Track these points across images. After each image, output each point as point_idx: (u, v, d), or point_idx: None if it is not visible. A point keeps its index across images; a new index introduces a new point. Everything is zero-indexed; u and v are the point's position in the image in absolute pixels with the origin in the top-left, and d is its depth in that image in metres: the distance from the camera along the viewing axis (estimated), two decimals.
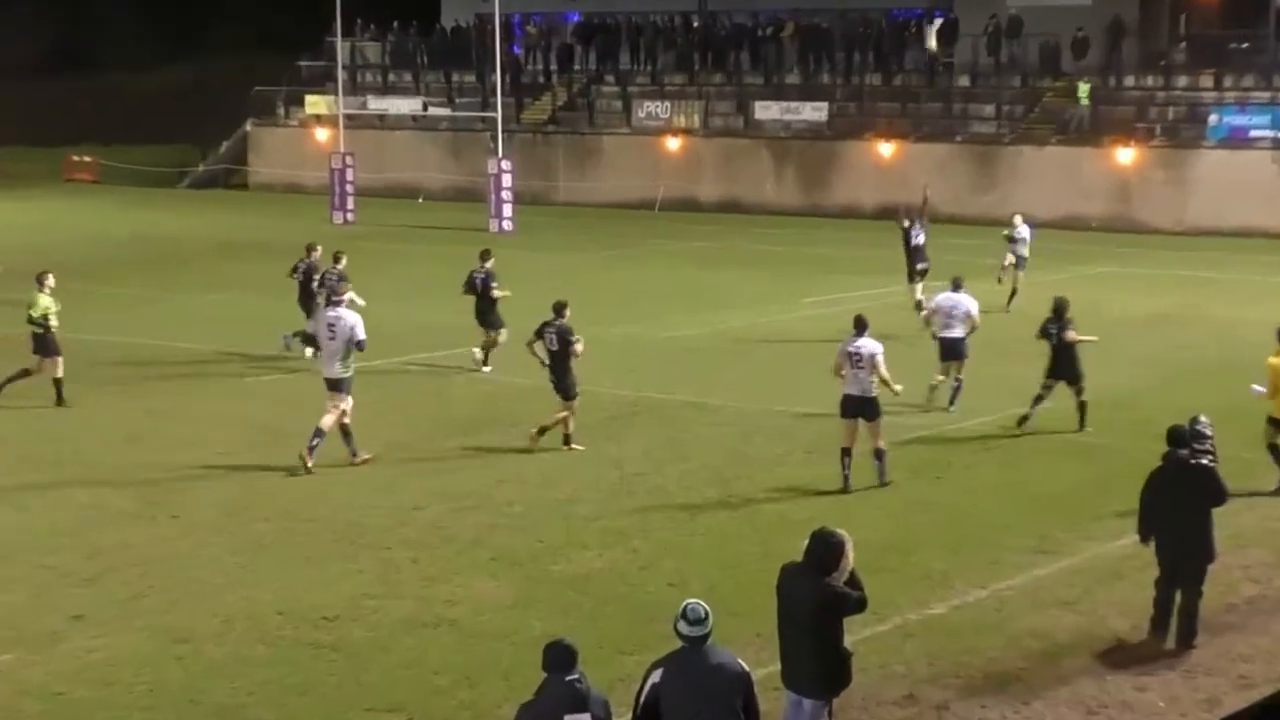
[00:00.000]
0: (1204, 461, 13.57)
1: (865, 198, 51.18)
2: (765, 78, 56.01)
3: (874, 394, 17.84)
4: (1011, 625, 13.78)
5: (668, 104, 56.06)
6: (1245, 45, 49.89)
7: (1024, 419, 20.67)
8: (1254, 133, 46.45)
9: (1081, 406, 20.54)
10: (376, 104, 59.72)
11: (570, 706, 8.66)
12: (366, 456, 19.22)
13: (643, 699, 9.14)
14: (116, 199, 57.21)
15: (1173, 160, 47.47)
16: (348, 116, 53.62)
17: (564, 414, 19.74)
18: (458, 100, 59.01)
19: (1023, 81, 52.00)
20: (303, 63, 64.63)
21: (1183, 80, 49.71)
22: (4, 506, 17.53)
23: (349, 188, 51.05)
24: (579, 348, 19.62)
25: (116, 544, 16.07)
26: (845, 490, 17.75)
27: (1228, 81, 48.90)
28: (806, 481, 18.39)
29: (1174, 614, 13.35)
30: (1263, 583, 14.98)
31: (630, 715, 9.20)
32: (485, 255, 25.73)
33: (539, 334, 19.79)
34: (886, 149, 51.18)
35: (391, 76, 63.28)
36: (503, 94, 50.19)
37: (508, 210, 47.88)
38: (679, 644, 9.22)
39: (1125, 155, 47.50)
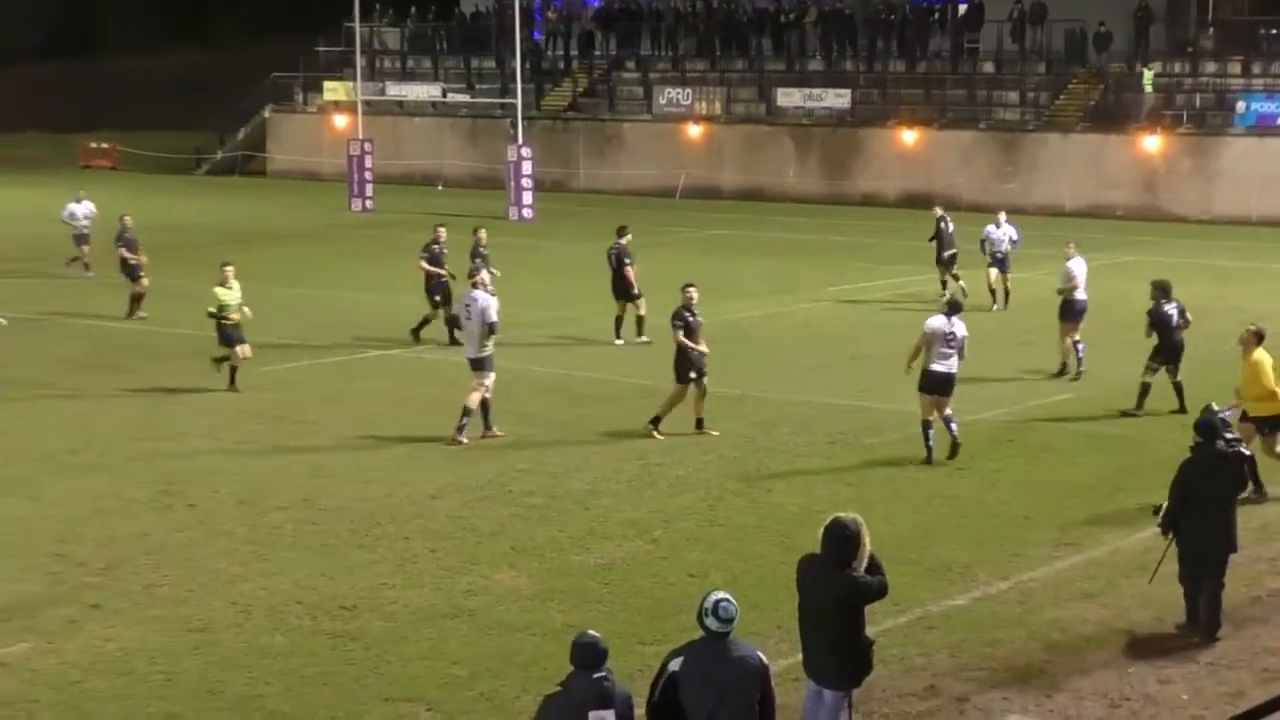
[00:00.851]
0: (1241, 449, 13.66)
1: (889, 186, 50.99)
2: (787, 64, 55.75)
3: (956, 372, 18.72)
4: (1034, 618, 13.65)
5: (689, 90, 55.81)
6: (1274, 31, 49.48)
7: (1140, 404, 20.70)
8: None
9: (1178, 387, 20.77)
10: (395, 90, 59.58)
11: (596, 704, 8.61)
12: (499, 434, 19.66)
13: (660, 686, 9.07)
14: (133, 185, 57.07)
15: (1199, 148, 47.14)
16: (366, 103, 53.48)
17: (681, 399, 19.85)
18: (477, 86, 58.84)
19: (1048, 68, 51.70)
20: (321, 48, 64.54)
21: (1210, 66, 49.30)
22: (19, 496, 17.48)
23: (368, 174, 50.92)
24: (679, 335, 19.75)
25: (132, 533, 16.01)
26: (928, 461, 18.44)
27: (1256, 68, 48.57)
28: (829, 472, 18.28)
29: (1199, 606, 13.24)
30: None
31: (645, 701, 9.11)
32: (621, 231, 26.41)
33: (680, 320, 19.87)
34: (910, 136, 50.92)
35: (410, 62, 63.20)
36: (522, 80, 50.01)
37: (528, 198, 47.76)
38: (699, 634, 9.11)
39: (1151, 142, 47.17)
